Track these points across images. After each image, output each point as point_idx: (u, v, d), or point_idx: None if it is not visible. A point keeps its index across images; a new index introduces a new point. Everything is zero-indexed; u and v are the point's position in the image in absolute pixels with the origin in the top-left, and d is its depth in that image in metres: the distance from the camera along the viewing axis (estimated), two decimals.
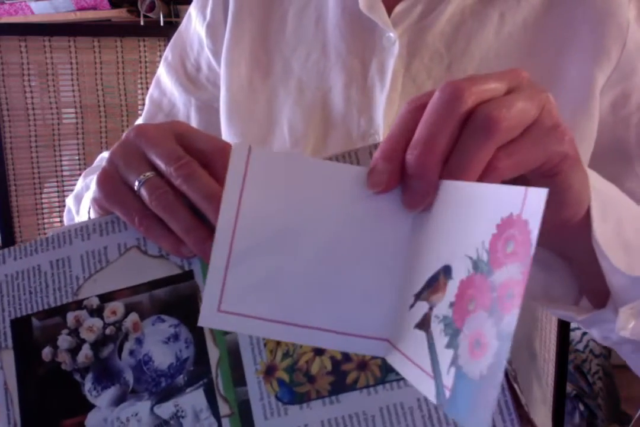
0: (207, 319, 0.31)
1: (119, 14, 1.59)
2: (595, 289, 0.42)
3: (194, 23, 0.68)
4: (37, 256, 0.42)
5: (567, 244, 0.41)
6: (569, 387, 1.62)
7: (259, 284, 0.32)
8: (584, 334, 1.79)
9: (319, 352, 0.37)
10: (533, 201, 0.25)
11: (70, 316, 0.40)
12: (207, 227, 0.37)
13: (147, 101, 0.72)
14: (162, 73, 0.70)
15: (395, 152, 0.31)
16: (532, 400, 0.65)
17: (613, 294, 0.40)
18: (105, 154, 0.73)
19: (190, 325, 0.39)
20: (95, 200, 0.41)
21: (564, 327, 1.15)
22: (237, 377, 0.38)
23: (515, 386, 0.35)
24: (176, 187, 0.38)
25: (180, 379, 0.38)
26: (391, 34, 0.56)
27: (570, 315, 0.42)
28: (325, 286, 0.32)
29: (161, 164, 0.38)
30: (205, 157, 0.39)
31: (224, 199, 0.31)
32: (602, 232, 0.38)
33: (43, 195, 1.43)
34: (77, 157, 1.44)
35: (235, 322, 0.32)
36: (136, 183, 0.39)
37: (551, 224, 0.37)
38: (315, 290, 0.32)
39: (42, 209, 1.44)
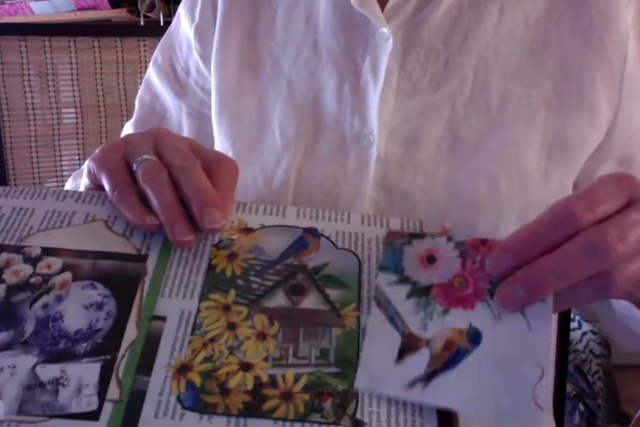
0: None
1: (119, 14, 1.59)
2: None
3: (183, 24, 0.66)
4: (4, 200, 0.42)
5: None
6: (569, 387, 1.62)
7: None
8: (584, 334, 1.79)
9: (245, 368, 0.34)
10: None
11: (3, 256, 0.39)
12: (184, 210, 0.39)
13: (137, 103, 0.71)
14: (153, 76, 0.69)
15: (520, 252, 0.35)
16: None
17: None
18: None
19: (119, 300, 0.37)
20: (88, 169, 0.43)
21: (564, 327, 1.15)
22: (144, 366, 0.34)
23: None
24: (171, 176, 0.40)
25: (82, 347, 0.35)
26: (384, 29, 0.54)
27: None
28: None
29: (168, 154, 0.40)
30: (207, 163, 0.41)
31: None
32: None
33: None
34: (77, 157, 1.44)
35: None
36: (138, 159, 0.40)
37: None
38: None
39: None
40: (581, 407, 1.65)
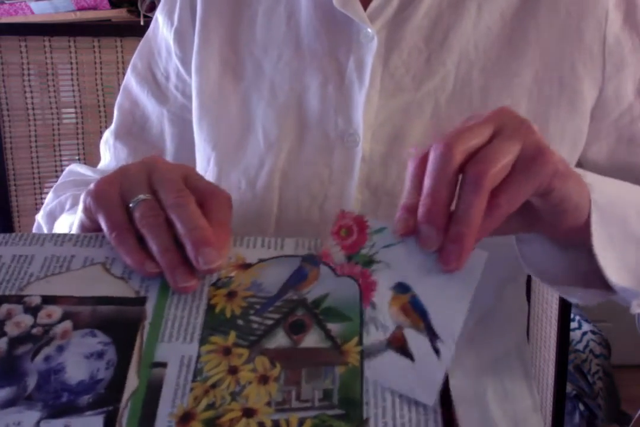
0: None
1: (119, 14, 1.59)
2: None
3: (162, 29, 0.66)
4: (3, 248, 0.42)
5: (578, 243, 0.45)
6: (569, 387, 1.62)
7: None
8: (584, 334, 1.79)
9: (248, 413, 0.34)
10: None
11: (4, 308, 0.38)
12: (183, 253, 0.38)
13: (116, 111, 0.70)
14: (132, 83, 0.69)
15: (414, 205, 0.38)
16: (523, 409, 0.65)
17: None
18: (73, 167, 0.73)
19: (119, 348, 0.36)
20: (85, 205, 0.42)
21: (564, 328, 1.15)
22: (147, 415, 0.33)
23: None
24: (166, 216, 0.39)
25: (85, 399, 0.34)
26: (369, 30, 0.54)
27: (595, 293, 0.46)
28: None
29: (162, 189, 0.40)
30: (202, 196, 0.40)
31: None
32: (601, 241, 0.42)
33: (43, 196, 1.43)
34: (77, 157, 1.44)
35: None
36: (135, 199, 0.40)
37: (559, 231, 0.43)
38: None
39: None
40: (581, 407, 1.66)
